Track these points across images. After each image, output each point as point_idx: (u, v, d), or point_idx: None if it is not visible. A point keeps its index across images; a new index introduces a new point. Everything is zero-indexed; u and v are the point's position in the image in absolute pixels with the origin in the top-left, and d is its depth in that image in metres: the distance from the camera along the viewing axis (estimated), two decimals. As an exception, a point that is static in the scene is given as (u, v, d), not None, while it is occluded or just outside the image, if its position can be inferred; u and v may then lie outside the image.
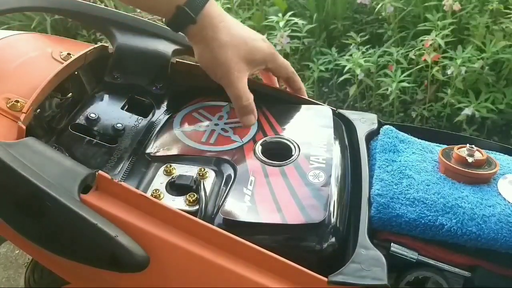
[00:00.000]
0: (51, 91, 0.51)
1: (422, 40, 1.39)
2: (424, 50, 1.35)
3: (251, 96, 0.52)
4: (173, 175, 0.46)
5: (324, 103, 0.65)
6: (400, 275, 0.45)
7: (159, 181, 0.46)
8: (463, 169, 0.48)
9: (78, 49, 0.57)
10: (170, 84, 0.58)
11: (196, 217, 0.41)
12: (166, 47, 0.58)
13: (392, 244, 0.45)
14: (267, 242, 0.41)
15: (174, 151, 0.50)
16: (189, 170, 0.47)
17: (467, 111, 1.31)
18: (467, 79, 1.36)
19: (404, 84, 1.36)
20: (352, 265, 0.39)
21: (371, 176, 0.49)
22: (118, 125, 0.52)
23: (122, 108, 0.55)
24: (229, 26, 0.52)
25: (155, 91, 0.57)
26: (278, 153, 0.50)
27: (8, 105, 0.49)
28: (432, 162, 0.51)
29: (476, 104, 1.32)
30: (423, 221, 0.44)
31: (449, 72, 1.33)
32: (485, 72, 1.34)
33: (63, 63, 0.53)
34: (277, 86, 0.61)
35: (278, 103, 0.58)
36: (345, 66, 1.43)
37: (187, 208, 0.43)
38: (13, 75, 0.52)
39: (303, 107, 0.57)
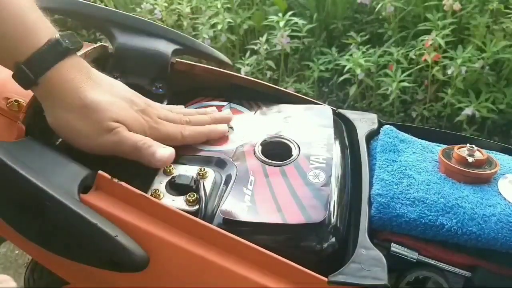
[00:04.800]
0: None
1: (422, 40, 1.39)
2: (425, 50, 1.36)
3: (138, 137, 0.45)
4: (173, 175, 0.46)
5: (324, 103, 0.65)
6: (400, 275, 0.45)
7: (159, 180, 0.46)
8: (464, 169, 0.48)
9: (78, 49, 0.57)
10: (170, 84, 0.58)
11: (196, 217, 0.41)
12: (166, 47, 0.58)
13: (392, 244, 0.45)
14: (267, 242, 0.41)
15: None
16: (189, 170, 0.47)
17: (468, 111, 1.31)
18: (467, 79, 1.36)
19: (405, 84, 1.36)
20: (352, 265, 0.39)
21: (371, 176, 0.49)
22: None
23: (122, 108, 0.55)
24: (86, 89, 0.44)
25: (155, 91, 0.57)
26: (278, 153, 0.50)
27: (7, 105, 0.49)
28: (433, 162, 0.51)
29: (476, 104, 1.32)
30: (423, 221, 0.44)
31: (449, 72, 1.33)
32: (486, 72, 1.34)
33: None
34: None
35: (278, 102, 0.58)
36: (345, 66, 1.43)
37: (187, 208, 0.43)
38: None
39: (303, 107, 0.57)
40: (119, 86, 0.48)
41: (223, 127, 0.52)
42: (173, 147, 0.47)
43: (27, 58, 0.42)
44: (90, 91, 0.44)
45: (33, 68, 0.42)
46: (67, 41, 0.43)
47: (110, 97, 0.45)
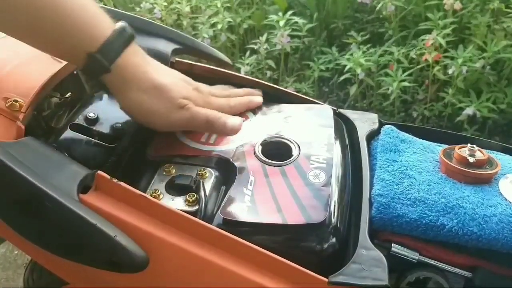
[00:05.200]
0: (50, 90, 0.51)
1: (423, 40, 1.38)
2: (425, 49, 1.35)
3: (208, 111, 0.49)
4: (172, 175, 0.46)
5: (325, 102, 0.65)
6: (401, 276, 0.45)
7: (159, 181, 0.45)
8: (464, 169, 0.48)
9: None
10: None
11: (195, 217, 0.41)
12: (165, 47, 0.58)
13: (393, 244, 0.45)
14: (267, 242, 0.41)
15: (173, 151, 0.50)
16: (189, 170, 0.46)
17: (468, 110, 1.31)
18: (468, 79, 1.35)
19: (405, 83, 1.36)
20: (352, 266, 0.39)
21: (372, 176, 0.49)
22: (117, 125, 0.52)
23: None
24: (152, 72, 0.48)
25: (155, 91, 0.57)
26: (278, 153, 0.49)
27: (7, 105, 0.48)
28: (433, 162, 0.51)
29: (477, 104, 1.32)
30: (424, 221, 0.44)
31: (450, 71, 1.33)
32: (486, 72, 1.33)
33: (62, 63, 0.53)
34: None
35: (278, 102, 0.58)
36: (345, 65, 1.43)
37: (186, 208, 0.43)
38: (12, 74, 0.52)
39: (304, 106, 0.57)
40: (172, 70, 0.52)
41: (259, 98, 0.57)
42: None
43: (99, 47, 0.44)
44: (156, 73, 0.48)
45: (106, 55, 0.45)
46: (129, 28, 0.47)
47: (173, 79, 0.49)
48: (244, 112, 0.56)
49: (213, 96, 0.53)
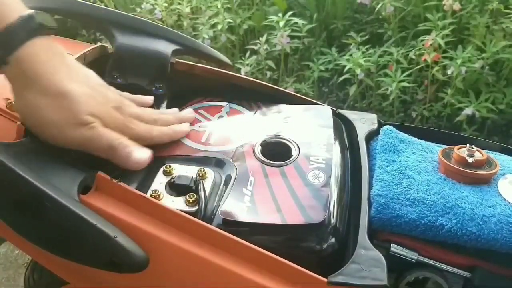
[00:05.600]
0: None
1: (422, 40, 1.39)
2: (424, 50, 1.35)
3: (114, 135, 0.43)
4: (172, 176, 0.46)
5: (324, 103, 0.65)
6: (400, 276, 0.45)
7: (159, 181, 0.46)
8: (463, 170, 0.48)
9: (78, 49, 0.57)
10: (170, 85, 0.58)
11: (195, 217, 0.41)
12: (166, 47, 0.58)
13: (392, 244, 0.45)
14: (266, 242, 0.41)
15: (173, 151, 0.50)
16: (189, 170, 0.47)
17: (467, 111, 1.31)
18: (467, 79, 1.36)
19: (404, 84, 1.36)
20: (352, 266, 0.39)
21: (371, 176, 0.49)
22: None
23: (122, 108, 0.55)
24: (62, 75, 0.41)
25: (155, 91, 0.57)
26: (278, 153, 0.50)
27: (7, 106, 0.48)
28: (432, 162, 0.51)
29: (476, 104, 1.32)
30: (423, 222, 0.44)
31: (449, 72, 1.33)
32: (485, 72, 1.34)
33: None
34: None
35: (277, 102, 0.58)
36: (345, 66, 1.43)
37: (186, 208, 0.43)
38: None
39: (303, 107, 0.57)
40: (95, 78, 0.46)
41: (185, 127, 0.51)
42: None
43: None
44: (67, 78, 0.41)
45: (3, 44, 0.39)
46: (40, 18, 0.41)
47: (87, 89, 0.43)
48: (241, 112, 0.56)
49: (138, 119, 0.47)
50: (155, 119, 0.49)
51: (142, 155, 0.44)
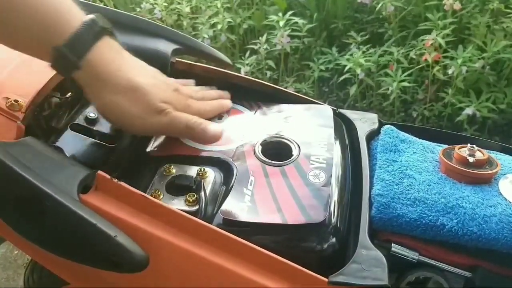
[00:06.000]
0: (50, 90, 0.51)
1: (422, 40, 1.38)
2: (425, 49, 1.35)
3: (188, 116, 0.47)
4: (172, 175, 0.46)
5: (325, 102, 0.65)
6: (400, 276, 0.45)
7: (159, 181, 0.45)
8: (464, 169, 0.48)
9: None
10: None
11: (195, 217, 0.41)
12: (166, 47, 0.58)
13: (392, 244, 0.45)
14: (267, 242, 0.41)
15: (173, 151, 0.50)
16: (189, 170, 0.46)
17: (468, 110, 1.31)
18: (468, 79, 1.36)
19: (405, 83, 1.36)
20: (352, 266, 0.39)
21: (371, 176, 0.49)
22: None
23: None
24: (128, 70, 0.44)
25: (155, 91, 0.57)
26: (278, 153, 0.49)
27: (7, 105, 0.48)
28: (433, 162, 0.51)
29: (477, 104, 1.32)
30: (424, 221, 0.44)
31: (450, 71, 1.33)
32: (486, 72, 1.33)
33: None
34: None
35: (278, 102, 0.58)
36: (345, 65, 1.43)
37: (186, 208, 0.43)
38: (13, 74, 0.52)
39: (304, 106, 0.57)
40: (151, 68, 0.48)
41: (228, 101, 0.55)
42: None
43: (66, 40, 0.40)
44: (133, 72, 0.44)
45: (74, 50, 0.41)
46: (101, 20, 0.43)
47: (151, 79, 0.46)
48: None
49: (191, 98, 0.50)
50: (202, 96, 0.53)
51: (216, 128, 0.48)
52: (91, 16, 0.43)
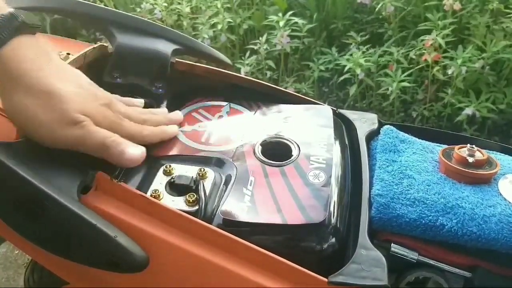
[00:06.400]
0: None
1: (422, 40, 1.39)
2: (425, 49, 1.36)
3: (106, 133, 0.42)
4: (172, 175, 0.46)
5: (324, 103, 0.65)
6: (400, 276, 0.45)
7: (159, 181, 0.45)
8: (464, 169, 0.48)
9: (78, 49, 0.56)
10: (170, 84, 0.58)
11: (195, 217, 0.41)
12: (166, 47, 0.58)
13: (392, 244, 0.45)
14: (266, 242, 0.41)
15: (173, 151, 0.50)
16: (189, 170, 0.46)
17: (468, 111, 1.31)
18: (467, 79, 1.36)
19: (405, 84, 1.36)
20: (352, 266, 0.39)
21: (371, 176, 0.49)
22: None
23: (122, 108, 0.55)
24: (49, 73, 0.40)
25: (155, 91, 0.57)
26: (278, 153, 0.49)
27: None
28: (433, 162, 0.51)
29: (476, 104, 1.32)
30: (423, 222, 0.44)
31: (449, 72, 1.33)
32: (486, 72, 1.34)
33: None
34: None
35: (278, 102, 0.58)
36: (345, 65, 1.43)
37: (186, 208, 0.43)
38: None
39: (303, 107, 0.57)
40: (83, 77, 0.45)
41: (175, 128, 0.51)
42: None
43: None
44: (54, 77, 0.40)
45: None
46: (23, 16, 0.40)
47: (76, 87, 0.42)
48: (241, 111, 0.56)
49: (128, 118, 0.46)
50: (144, 119, 0.48)
51: (135, 152, 0.43)
52: (11, 10, 0.39)
